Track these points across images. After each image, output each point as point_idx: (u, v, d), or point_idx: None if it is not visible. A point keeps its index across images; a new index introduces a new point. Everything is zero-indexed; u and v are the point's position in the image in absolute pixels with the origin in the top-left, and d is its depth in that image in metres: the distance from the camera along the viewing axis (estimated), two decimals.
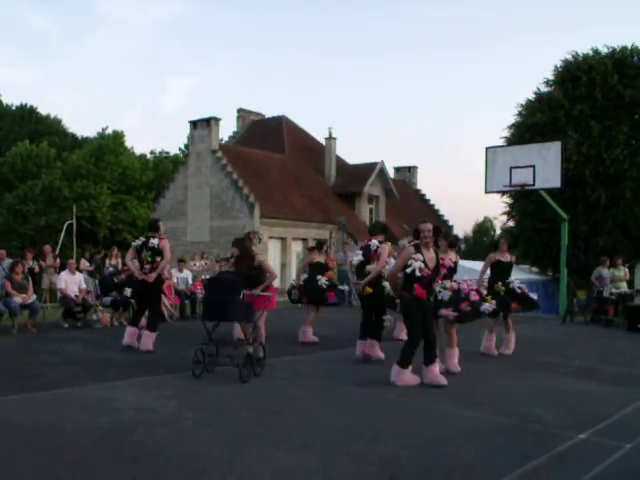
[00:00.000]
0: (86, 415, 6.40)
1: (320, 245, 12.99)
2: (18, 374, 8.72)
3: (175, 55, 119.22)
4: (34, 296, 14.20)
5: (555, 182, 19.01)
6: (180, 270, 17.69)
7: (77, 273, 15.37)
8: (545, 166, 19.01)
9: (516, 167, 19.40)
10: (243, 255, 9.81)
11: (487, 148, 20.36)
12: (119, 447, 5.40)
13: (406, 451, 5.46)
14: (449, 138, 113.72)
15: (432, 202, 44.53)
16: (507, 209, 30.63)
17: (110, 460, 5.07)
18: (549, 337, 14.30)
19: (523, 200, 27.65)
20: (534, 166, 19.13)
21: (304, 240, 31.33)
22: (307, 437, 5.82)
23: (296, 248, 30.96)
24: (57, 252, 20.30)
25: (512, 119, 29.88)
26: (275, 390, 7.89)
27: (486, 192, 20.49)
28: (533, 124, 27.35)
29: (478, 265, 27.05)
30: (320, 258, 12.74)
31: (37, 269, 18.01)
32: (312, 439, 5.77)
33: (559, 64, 28.64)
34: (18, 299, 13.42)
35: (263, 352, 9.16)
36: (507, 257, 11.51)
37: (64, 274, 15.04)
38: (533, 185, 19.32)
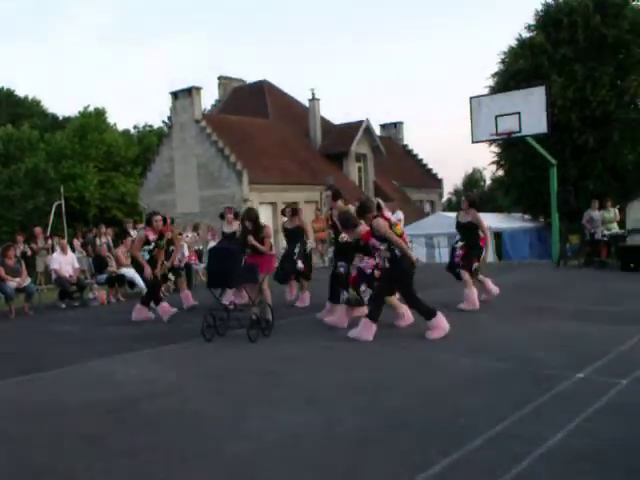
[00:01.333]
0: (90, 391, 6.48)
1: (295, 211, 12.52)
2: (19, 356, 8.79)
3: (151, 25, 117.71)
4: (28, 279, 14.20)
5: (541, 128, 18.98)
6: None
7: (70, 253, 15.36)
8: (530, 112, 18.96)
9: (501, 115, 19.35)
10: (253, 229, 9.99)
11: (471, 98, 20.28)
12: (125, 419, 5.48)
13: (409, 402, 5.56)
14: (434, 91, 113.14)
15: (420, 157, 44.49)
16: (496, 159, 30.60)
17: (117, 431, 5.14)
18: (544, 282, 14.43)
19: (511, 148, 27.63)
20: (519, 113, 19.07)
21: (295, 204, 31.29)
22: (310, 395, 5.91)
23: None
24: (48, 234, 20.27)
25: (495, 67, 29.66)
26: (276, 352, 7.97)
27: (473, 142, 20.45)
28: (517, 71, 27.19)
29: None
30: (290, 224, 12.38)
31: (29, 252, 18.01)
32: (315, 397, 5.85)
33: (540, 8, 28.39)
34: (12, 283, 13.44)
35: (271, 313, 9.42)
36: (464, 216, 11.13)
37: (57, 255, 15.03)
38: (519, 132, 19.29)
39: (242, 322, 8.98)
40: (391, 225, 8.55)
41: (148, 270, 11.02)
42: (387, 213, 8.99)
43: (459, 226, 11.14)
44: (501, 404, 5.34)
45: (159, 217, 11.33)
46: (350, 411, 5.37)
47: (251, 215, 10.12)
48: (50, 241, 17.50)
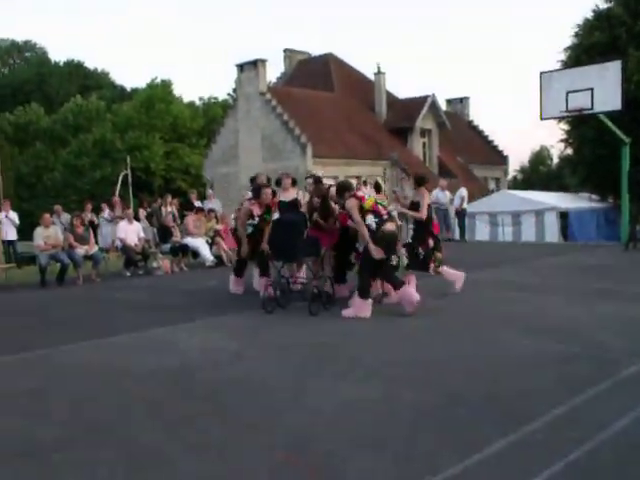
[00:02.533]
0: (154, 357, 6.66)
1: (295, 181, 10.81)
2: (87, 322, 9.08)
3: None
4: (96, 247, 14.65)
5: (615, 104, 18.41)
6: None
7: (135, 222, 15.68)
8: (604, 88, 18.40)
9: (573, 91, 18.84)
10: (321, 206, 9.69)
11: (541, 73, 19.80)
12: (187, 386, 5.62)
13: (467, 380, 5.55)
14: (502, 66, 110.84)
15: (486, 133, 43.76)
16: (564, 136, 29.86)
17: (180, 398, 5.29)
18: (611, 264, 14.10)
19: (581, 126, 26.87)
20: (592, 89, 18.53)
21: (358, 178, 31.20)
22: (369, 369, 5.96)
23: None
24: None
25: (569, 41, 28.74)
26: (336, 326, 8.04)
27: (542, 119, 20.01)
28: (592, 45, 26.31)
29: (535, 195, 26.66)
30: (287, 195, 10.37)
31: (96, 221, 18.47)
32: (374, 370, 5.90)
33: None
34: (81, 251, 13.85)
35: (332, 287, 9.48)
36: (415, 196, 10.05)
37: (123, 224, 15.37)
38: (591, 109, 18.77)
39: (304, 295, 9.06)
40: (362, 204, 8.54)
41: (245, 249, 10.40)
42: (361, 192, 8.91)
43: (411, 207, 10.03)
44: (562, 387, 5.29)
45: (269, 191, 10.35)
46: (408, 385, 5.40)
47: (321, 191, 9.77)
48: (127, 210, 17.89)
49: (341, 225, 9.53)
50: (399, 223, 9.45)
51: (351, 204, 8.60)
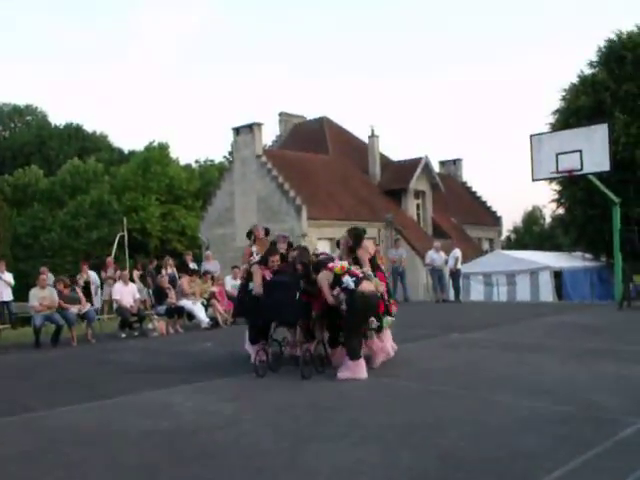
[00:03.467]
0: (148, 420, 6.56)
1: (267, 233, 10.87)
2: (81, 384, 8.99)
3: (209, 64, 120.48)
4: (88, 305, 14.62)
5: (604, 165, 18.64)
6: (234, 277, 17.76)
7: (130, 284, 15.70)
8: (592, 150, 18.66)
9: (562, 153, 19.08)
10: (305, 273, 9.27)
11: (531, 135, 20.10)
12: (181, 449, 5.53)
13: (466, 442, 5.46)
14: (494, 128, 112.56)
15: (479, 194, 44.13)
16: (556, 196, 30.12)
17: (173, 461, 5.20)
18: (606, 324, 14.06)
19: (572, 186, 27.14)
20: (581, 151, 18.78)
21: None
22: (366, 431, 5.87)
23: None
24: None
25: (556, 104, 29.26)
26: (331, 388, 7.95)
27: (533, 180, 20.22)
28: (578, 108, 26.80)
29: (529, 255, 26.73)
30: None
31: (93, 281, 18.45)
32: (371, 433, 5.81)
33: (602, 44, 28.04)
34: (74, 309, 13.84)
35: (325, 350, 9.39)
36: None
37: (118, 285, 15.39)
38: (581, 170, 18.98)
39: (296, 358, 8.98)
40: (335, 272, 8.62)
41: (258, 282, 9.61)
42: (331, 264, 8.87)
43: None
44: (561, 449, 5.21)
45: (276, 257, 9.72)
46: (405, 449, 5.32)
47: (303, 258, 9.30)
48: (119, 271, 17.90)
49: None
50: (375, 282, 9.07)
51: (321, 277, 8.64)
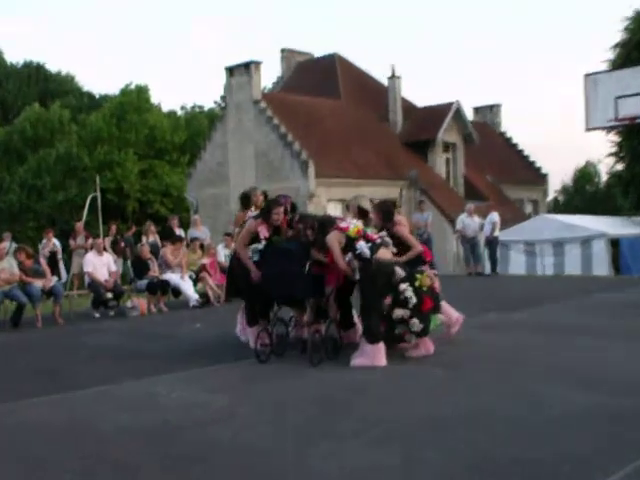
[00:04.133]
0: (127, 415, 6.63)
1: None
2: (49, 372, 9.06)
3: None
4: (55, 279, 14.66)
5: None
6: (227, 245, 17.78)
7: (105, 254, 15.74)
8: None
9: (623, 96, 18.94)
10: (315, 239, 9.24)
11: (586, 75, 19.94)
12: (167, 448, 5.59)
13: (500, 441, 5.50)
14: (540, 67, 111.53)
15: (521, 147, 43.92)
16: (614, 149, 29.96)
17: (156, 462, 5.26)
18: None
19: (634, 137, 27.02)
20: None
21: (370, 201, 31.24)
22: (385, 428, 5.93)
23: None
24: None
25: (617, 37, 28.92)
26: (344, 377, 8.01)
27: (587, 129, 20.14)
28: None
29: (580, 220, 26.66)
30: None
31: (59, 252, 18.55)
32: (391, 430, 5.87)
33: None
34: (38, 284, 13.82)
35: (338, 332, 9.42)
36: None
37: (91, 256, 15.41)
38: None
39: (304, 342, 9.04)
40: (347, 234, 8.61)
41: (257, 274, 9.53)
42: (344, 223, 8.87)
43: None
44: (617, 450, 5.23)
45: (280, 209, 9.74)
46: (430, 448, 5.36)
47: (309, 223, 9.29)
48: (91, 239, 17.93)
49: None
50: (394, 250, 9.05)
51: (331, 238, 8.57)
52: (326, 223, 8.89)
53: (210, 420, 6.37)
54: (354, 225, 8.71)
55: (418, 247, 9.59)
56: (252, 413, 6.58)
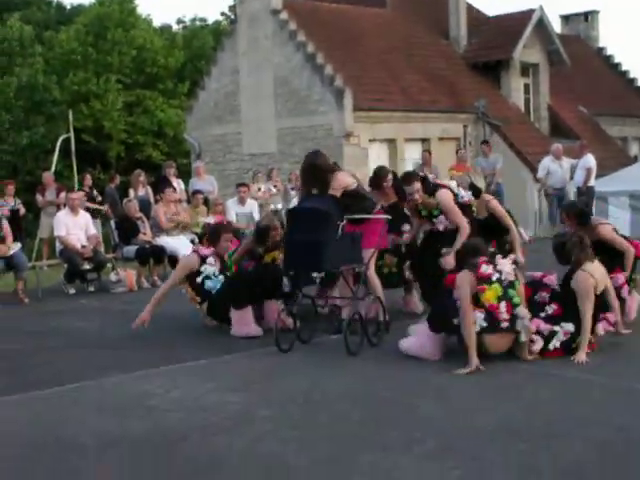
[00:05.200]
0: (112, 419, 6.70)
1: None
2: (10, 366, 9.13)
3: None
4: (17, 245, 14.60)
5: None
6: (241, 201, 17.70)
7: (82, 213, 15.69)
8: None
9: None
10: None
11: None
12: (163, 463, 5.65)
13: (594, 454, 5.53)
14: None
15: (625, 67, 43.36)
16: None
17: None
18: None
19: None
20: None
21: (424, 141, 31.13)
22: (444, 438, 5.96)
23: (412, 154, 30.86)
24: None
25: None
26: (390, 371, 8.05)
27: None
28: None
29: None
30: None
31: (22, 210, 18.65)
32: (450, 441, 5.91)
33: None
34: None
35: (383, 311, 9.47)
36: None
37: (63, 215, 15.37)
38: None
39: (338, 324, 9.04)
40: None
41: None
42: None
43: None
44: None
45: (229, 235, 11.06)
46: (501, 465, 5.40)
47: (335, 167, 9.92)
48: (63, 194, 17.96)
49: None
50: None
51: (446, 196, 8.62)
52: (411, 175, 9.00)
53: (220, 426, 6.41)
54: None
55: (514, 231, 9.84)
56: (274, 417, 6.62)
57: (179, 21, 60.43)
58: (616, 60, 43.37)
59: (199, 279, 10.42)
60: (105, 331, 11.04)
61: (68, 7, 61.36)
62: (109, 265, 15.69)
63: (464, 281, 8.23)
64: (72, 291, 14.94)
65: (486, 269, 8.25)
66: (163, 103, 47.59)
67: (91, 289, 15.09)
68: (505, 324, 8.09)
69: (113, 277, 15.30)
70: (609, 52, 43.65)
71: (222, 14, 59.36)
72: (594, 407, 6.60)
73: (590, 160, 21.94)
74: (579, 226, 9.79)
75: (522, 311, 8.13)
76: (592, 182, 21.90)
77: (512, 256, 9.05)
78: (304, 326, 9.25)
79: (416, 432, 6.09)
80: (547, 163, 21.91)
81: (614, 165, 29.52)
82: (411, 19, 35.44)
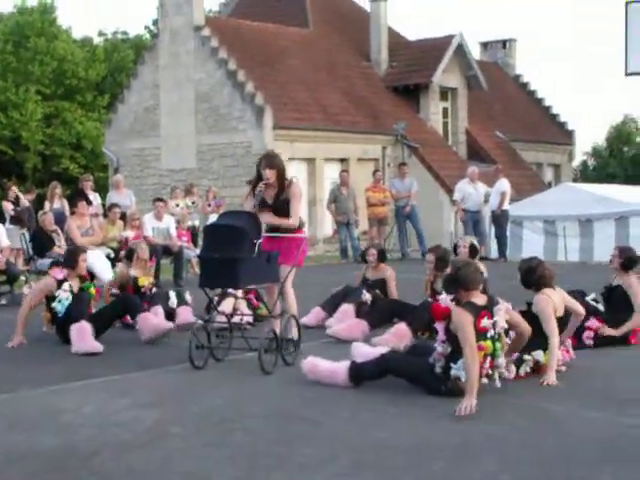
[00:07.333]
0: (22, 434, 6.58)
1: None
2: None
3: None
4: None
5: None
6: (158, 216, 17.61)
7: None
8: None
9: None
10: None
11: (628, 3, 20.02)
12: (74, 479, 5.57)
13: (511, 473, 5.57)
14: None
15: (541, 95, 44.07)
16: None
17: None
18: None
19: None
20: None
21: (343, 161, 31.29)
22: (357, 455, 5.97)
23: (331, 173, 30.95)
24: None
25: None
26: (303, 388, 8.05)
27: (627, 74, 20.23)
28: None
29: (615, 191, 26.81)
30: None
31: None
32: (365, 458, 5.91)
33: None
34: None
35: (297, 329, 9.52)
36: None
37: None
38: None
39: (252, 342, 9.06)
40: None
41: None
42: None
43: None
44: None
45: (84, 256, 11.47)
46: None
47: (272, 163, 9.69)
48: None
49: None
50: None
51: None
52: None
53: (133, 443, 6.34)
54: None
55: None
56: (189, 434, 6.57)
57: (100, 33, 59.99)
58: (532, 87, 44.09)
59: (54, 304, 10.70)
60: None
61: None
62: (22, 278, 15.49)
63: (467, 322, 7.63)
64: None
65: (486, 324, 7.78)
66: (82, 116, 47.28)
67: (3, 302, 14.91)
68: (484, 380, 7.67)
69: (26, 290, 15.10)
70: (525, 79, 44.36)
71: (146, 27, 59.14)
72: (510, 427, 6.66)
73: (504, 184, 22.22)
74: (622, 268, 10.41)
75: (500, 361, 7.84)
76: (507, 206, 22.17)
77: (507, 304, 8.80)
78: (218, 343, 9.22)
79: (330, 449, 6.09)
80: (463, 186, 22.12)
81: (529, 190, 30.04)
82: (333, 40, 35.70)
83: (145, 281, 12.27)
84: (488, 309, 7.75)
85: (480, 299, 7.80)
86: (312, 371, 8.28)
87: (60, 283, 10.77)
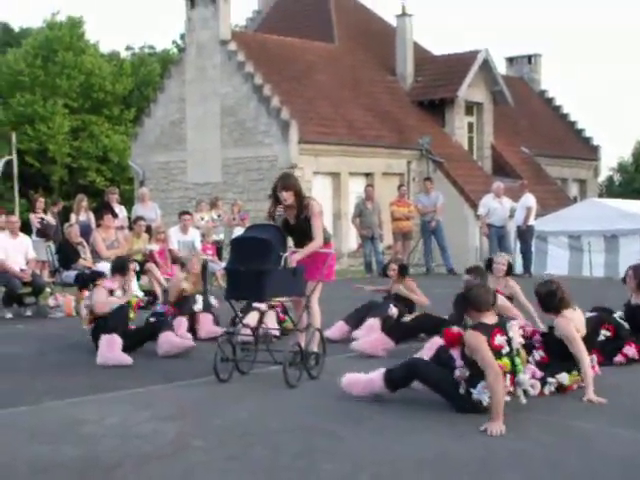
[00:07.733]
0: (45, 446, 6.57)
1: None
2: None
3: None
4: None
5: None
6: (184, 229, 17.65)
7: (22, 236, 15.59)
8: None
9: None
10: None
11: None
12: None
13: None
14: (592, 9, 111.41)
15: (566, 110, 43.92)
16: None
17: None
18: None
19: None
20: None
21: (368, 175, 31.26)
22: (379, 468, 5.94)
23: (356, 188, 30.94)
24: None
25: None
26: (328, 402, 8.04)
27: None
28: None
29: None
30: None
31: None
32: (386, 471, 5.90)
33: None
34: None
35: (322, 344, 9.52)
36: None
37: (2, 238, 15.26)
38: None
39: (277, 355, 9.05)
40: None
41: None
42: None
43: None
44: None
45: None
46: None
47: (287, 184, 9.65)
48: (3, 217, 17.71)
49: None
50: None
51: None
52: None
53: (155, 455, 6.32)
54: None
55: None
56: (210, 447, 6.54)
57: (128, 47, 60.31)
58: (557, 103, 43.95)
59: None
60: (40, 357, 10.91)
61: (16, 29, 60.97)
62: (47, 290, 15.52)
63: (481, 342, 7.56)
64: (9, 315, 14.79)
65: (500, 341, 7.71)
66: (109, 129, 47.45)
67: (28, 313, 14.96)
68: (507, 398, 7.53)
69: (51, 302, 15.16)
70: (550, 94, 44.23)
71: (173, 42, 59.36)
72: (535, 443, 6.62)
73: (530, 199, 22.16)
74: (638, 289, 10.50)
75: (522, 377, 7.75)
76: (532, 221, 22.11)
77: (520, 321, 8.84)
78: (243, 356, 9.22)
79: (352, 465, 6.05)
80: (488, 201, 22.07)
81: (554, 205, 29.89)
82: (359, 54, 35.70)
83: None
84: (500, 327, 7.70)
85: (491, 319, 7.77)
86: (350, 384, 8.24)
87: (111, 292, 11.11)
